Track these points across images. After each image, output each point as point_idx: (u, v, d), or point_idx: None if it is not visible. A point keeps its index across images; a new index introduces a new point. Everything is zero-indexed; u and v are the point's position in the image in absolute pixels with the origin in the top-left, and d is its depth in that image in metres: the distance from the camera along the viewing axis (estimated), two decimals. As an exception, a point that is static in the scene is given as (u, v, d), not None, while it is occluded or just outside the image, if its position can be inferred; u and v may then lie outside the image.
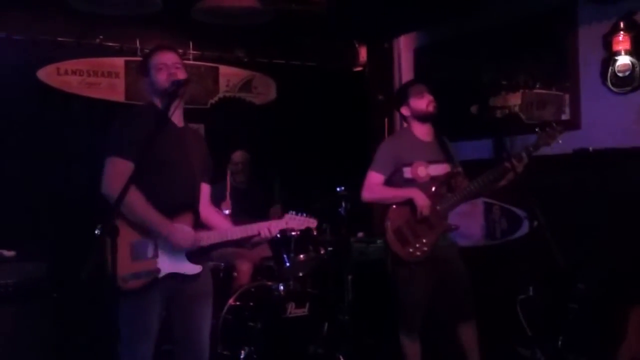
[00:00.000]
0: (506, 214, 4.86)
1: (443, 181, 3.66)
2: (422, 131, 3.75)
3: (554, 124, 3.49)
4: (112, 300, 2.62)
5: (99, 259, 2.47)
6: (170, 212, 2.78)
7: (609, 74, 4.29)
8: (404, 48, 6.20)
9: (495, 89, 5.14)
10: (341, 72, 6.23)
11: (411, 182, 3.64)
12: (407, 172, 3.66)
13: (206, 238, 2.88)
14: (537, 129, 3.50)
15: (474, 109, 4.74)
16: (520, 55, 4.94)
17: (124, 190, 2.41)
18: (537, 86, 4.85)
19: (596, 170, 4.21)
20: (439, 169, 3.67)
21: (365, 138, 6.21)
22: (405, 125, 3.89)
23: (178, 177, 2.85)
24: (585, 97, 4.48)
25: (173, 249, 2.79)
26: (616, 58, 4.24)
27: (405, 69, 6.18)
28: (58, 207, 4.75)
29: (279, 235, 3.69)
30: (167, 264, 2.79)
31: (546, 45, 4.74)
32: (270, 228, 2.98)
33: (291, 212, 3.08)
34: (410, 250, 3.58)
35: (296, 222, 3.06)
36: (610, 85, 4.29)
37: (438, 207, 3.60)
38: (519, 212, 4.72)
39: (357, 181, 3.79)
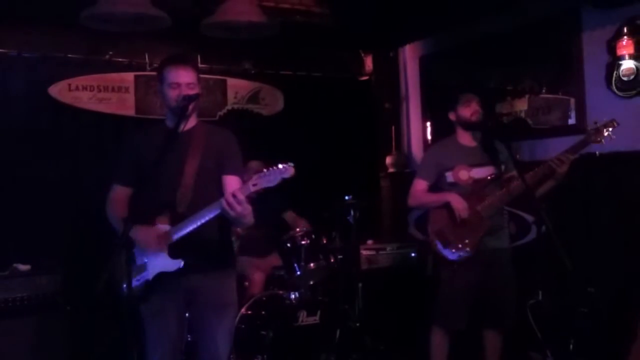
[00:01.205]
0: (514, 219, 4.86)
1: (487, 183, 3.73)
2: (467, 137, 3.87)
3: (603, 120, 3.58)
4: (130, 307, 2.70)
5: (109, 270, 2.54)
6: (152, 213, 2.85)
7: (613, 78, 4.31)
8: (410, 56, 6.24)
9: (501, 95, 5.17)
10: (347, 82, 6.26)
11: (454, 186, 3.76)
12: (450, 177, 3.79)
13: (177, 231, 2.81)
14: (588, 127, 3.55)
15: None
16: (525, 60, 4.96)
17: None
18: (543, 91, 4.88)
19: (603, 174, 4.23)
20: (483, 172, 3.77)
21: (372, 146, 6.25)
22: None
23: (162, 180, 2.84)
24: (591, 101, 4.50)
25: (155, 251, 2.82)
26: (620, 62, 4.26)
27: (411, 77, 6.22)
28: (71, 221, 4.80)
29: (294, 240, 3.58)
30: (152, 266, 2.83)
31: (551, 50, 4.76)
32: (229, 199, 2.61)
33: (265, 170, 2.65)
34: (453, 250, 3.65)
35: (265, 179, 2.61)
36: (615, 90, 4.31)
37: (478, 208, 3.65)
38: (527, 217, 4.73)
39: (365, 189, 3.82)
